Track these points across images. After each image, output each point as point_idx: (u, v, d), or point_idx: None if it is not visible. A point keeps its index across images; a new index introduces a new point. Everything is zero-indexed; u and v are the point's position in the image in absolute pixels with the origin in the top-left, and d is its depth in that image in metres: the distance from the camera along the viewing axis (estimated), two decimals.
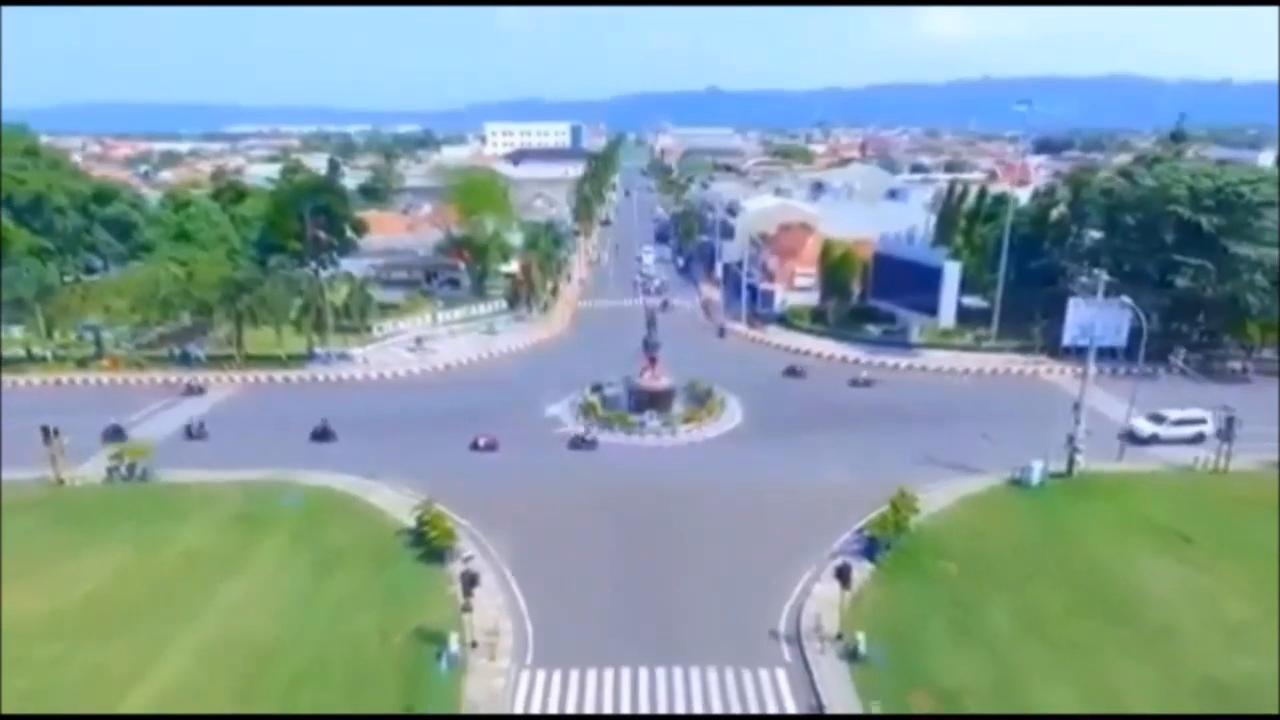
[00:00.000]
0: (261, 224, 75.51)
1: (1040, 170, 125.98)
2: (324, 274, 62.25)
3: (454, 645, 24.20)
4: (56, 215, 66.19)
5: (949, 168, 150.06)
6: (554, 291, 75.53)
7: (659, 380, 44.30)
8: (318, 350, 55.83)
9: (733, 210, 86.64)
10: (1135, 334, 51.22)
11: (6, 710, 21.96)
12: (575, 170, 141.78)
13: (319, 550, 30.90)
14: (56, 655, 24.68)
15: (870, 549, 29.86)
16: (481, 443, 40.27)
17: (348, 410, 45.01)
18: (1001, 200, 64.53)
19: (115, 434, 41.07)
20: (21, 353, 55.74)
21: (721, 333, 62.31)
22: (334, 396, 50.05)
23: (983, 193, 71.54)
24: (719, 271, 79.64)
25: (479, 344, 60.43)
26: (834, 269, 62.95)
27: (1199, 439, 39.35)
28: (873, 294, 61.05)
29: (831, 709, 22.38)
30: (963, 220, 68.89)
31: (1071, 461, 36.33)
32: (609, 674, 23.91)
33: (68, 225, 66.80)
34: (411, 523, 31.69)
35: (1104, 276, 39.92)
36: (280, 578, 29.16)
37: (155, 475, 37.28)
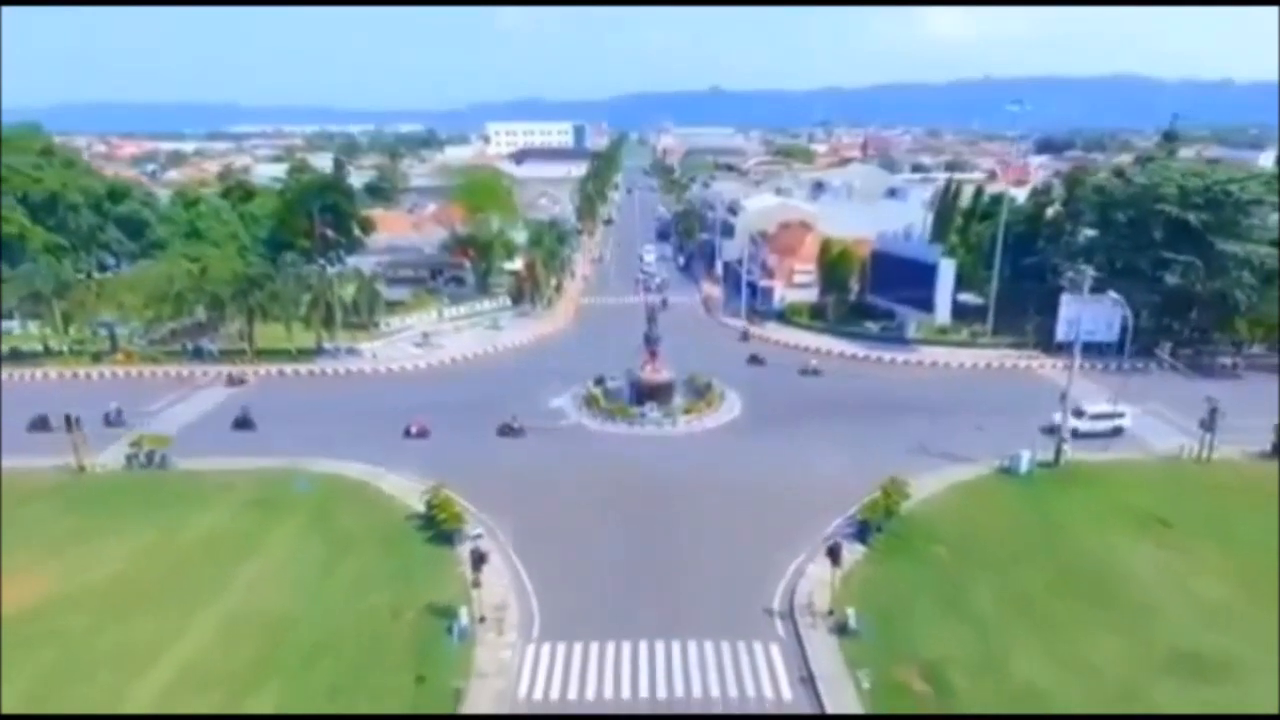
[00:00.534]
0: (270, 222, 76.92)
1: (1041, 170, 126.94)
2: (332, 271, 63.61)
3: (463, 619, 25.49)
4: (71, 213, 67.63)
5: (950, 167, 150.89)
6: (557, 288, 76.80)
7: (659, 373, 45.52)
8: (326, 345, 57.16)
9: (733, 209, 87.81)
10: (1133, 331, 52.60)
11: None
12: (578, 170, 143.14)
13: (332, 533, 32.22)
14: (87, 627, 26.02)
15: (862, 532, 31.07)
16: (413, 430, 41.57)
17: (357, 403, 46.33)
18: (999, 199, 65.64)
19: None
20: (39, 347, 57.21)
21: (745, 336, 60.41)
22: (343, 389, 51.43)
23: (979, 191, 72.72)
24: (719, 269, 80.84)
25: (484, 339, 61.72)
26: (832, 266, 64.10)
27: (1118, 432, 40.21)
28: (870, 291, 62.21)
29: (821, 679, 23.58)
30: (959, 218, 70.02)
31: (1059, 451, 37.52)
32: (610, 647, 25.14)
33: (82, 223, 68.22)
34: (421, 508, 32.94)
35: (1090, 271, 40.90)
36: (295, 558, 30.47)
37: (173, 463, 38.60)
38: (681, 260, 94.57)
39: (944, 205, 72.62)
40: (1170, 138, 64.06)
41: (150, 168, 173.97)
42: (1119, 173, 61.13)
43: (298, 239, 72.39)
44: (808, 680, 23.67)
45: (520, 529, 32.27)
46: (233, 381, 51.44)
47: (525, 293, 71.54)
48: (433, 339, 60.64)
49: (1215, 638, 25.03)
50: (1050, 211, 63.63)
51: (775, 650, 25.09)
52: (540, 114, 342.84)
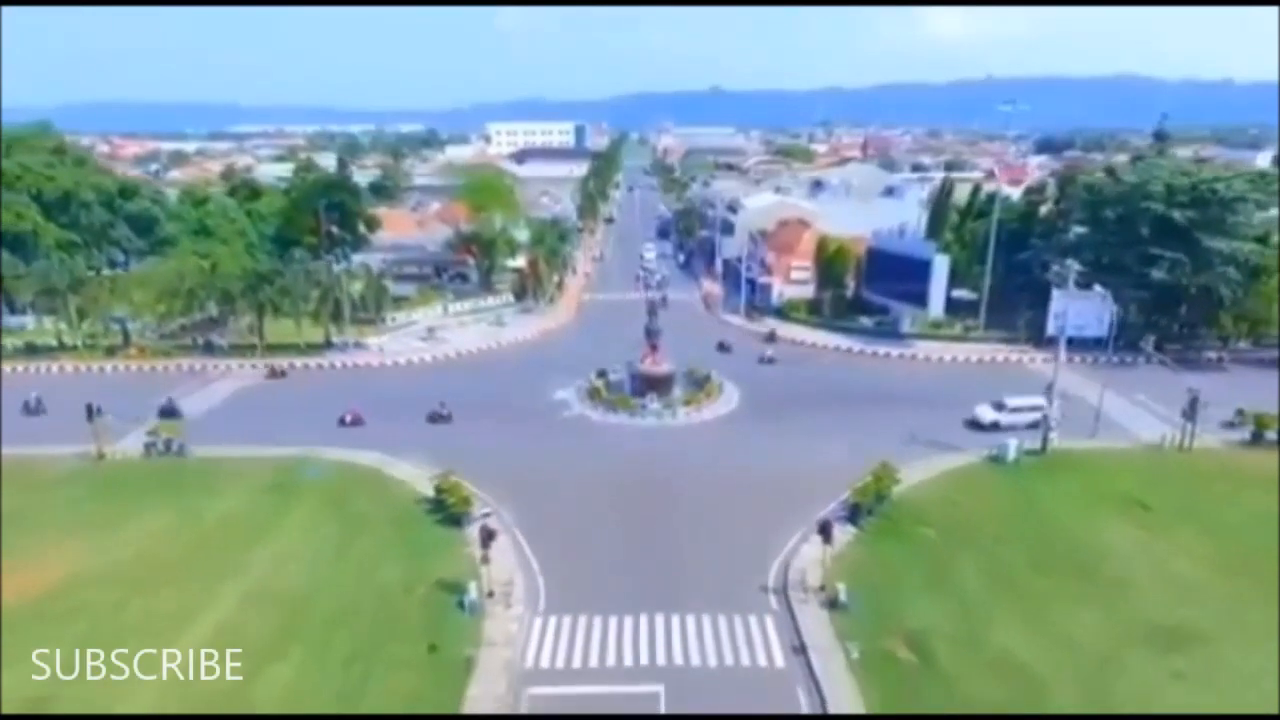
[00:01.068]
0: (277, 220, 78.20)
1: (1039, 170, 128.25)
2: (339, 268, 64.91)
3: (473, 593, 26.83)
4: (83, 210, 68.93)
5: (949, 167, 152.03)
6: (559, 285, 78.14)
7: (660, 366, 46.86)
8: (335, 340, 58.50)
9: (733, 207, 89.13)
10: (1121, 325, 53.95)
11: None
12: (579, 169, 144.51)
13: (345, 516, 33.56)
14: (115, 601, 27.35)
15: (854, 515, 32.40)
16: (348, 419, 43.02)
17: (367, 394, 47.63)
18: (991, 197, 66.89)
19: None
20: (53, 342, 58.54)
21: (772, 337, 59.23)
22: (353, 382, 52.77)
23: (976, 189, 74.00)
24: (719, 266, 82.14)
25: (488, 334, 63.06)
26: (829, 263, 65.39)
27: (1038, 424, 41.05)
28: (866, 286, 63.52)
29: (813, 649, 24.90)
30: (955, 216, 71.33)
31: (1045, 439, 38.83)
32: (613, 620, 26.46)
33: (93, 220, 69.52)
34: (430, 492, 34.27)
35: (1074, 266, 42.15)
36: (311, 539, 31.82)
37: (190, 451, 39.94)
38: (681, 258, 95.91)
39: (939, 203, 73.95)
40: (1160, 137, 65.31)
41: (153, 167, 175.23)
42: (1109, 171, 62.42)
43: (304, 236, 73.60)
44: (800, 650, 24.98)
45: (525, 512, 33.57)
46: (274, 373, 53.13)
47: (528, 289, 72.86)
48: (438, 333, 62.01)
49: (1188, 611, 26.35)
50: (1043, 209, 64.94)
51: (769, 623, 26.42)
52: (541, 114, 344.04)
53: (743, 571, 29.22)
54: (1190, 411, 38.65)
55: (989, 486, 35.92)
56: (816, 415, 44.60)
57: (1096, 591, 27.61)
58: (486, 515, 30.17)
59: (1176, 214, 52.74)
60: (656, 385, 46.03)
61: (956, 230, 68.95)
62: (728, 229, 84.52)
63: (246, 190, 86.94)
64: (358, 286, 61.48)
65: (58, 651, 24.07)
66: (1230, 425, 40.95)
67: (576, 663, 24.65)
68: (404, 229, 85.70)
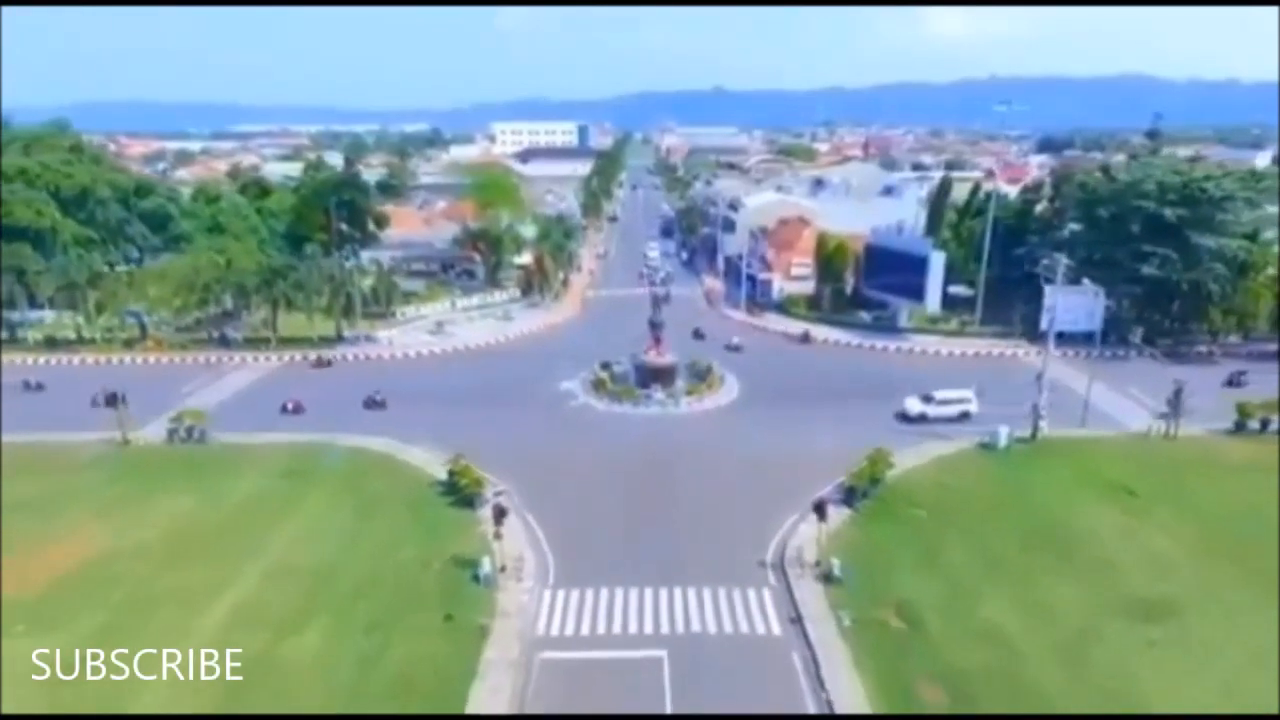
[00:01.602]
0: (288, 217, 79.73)
1: (1040, 169, 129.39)
2: (349, 263, 66.47)
3: (486, 567, 28.30)
4: (99, 208, 70.49)
5: (949, 166, 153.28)
6: (564, 281, 79.60)
7: (663, 357, 48.30)
8: (346, 333, 60.05)
9: (734, 206, 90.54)
10: (1114, 320, 55.40)
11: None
12: (583, 168, 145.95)
13: (362, 498, 35.06)
14: (146, 574, 28.90)
15: (849, 497, 33.81)
16: (289, 406, 44.70)
17: (379, 384, 49.04)
18: (989, 196, 68.22)
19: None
20: (72, 335, 60.15)
21: (806, 338, 59.67)
22: (365, 373, 54.17)
23: (975, 189, 75.30)
24: (721, 263, 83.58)
25: (495, 328, 64.58)
26: (829, 259, 66.73)
27: (965, 417, 42.62)
28: (865, 282, 64.91)
29: (808, 619, 26.33)
30: (953, 214, 72.68)
31: (1035, 427, 40.22)
32: (619, 592, 27.92)
33: (110, 217, 71.03)
34: (443, 476, 35.75)
35: (1063, 260, 43.52)
36: (329, 519, 33.31)
37: (210, 437, 41.49)
38: (684, 255, 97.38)
39: (938, 202, 75.30)
40: (1154, 136, 66.73)
41: (160, 166, 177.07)
42: (1104, 170, 63.76)
43: (314, 233, 75.22)
44: (795, 620, 26.43)
45: (533, 495, 35.00)
46: (320, 363, 55.43)
47: (534, 285, 74.37)
48: (446, 327, 63.55)
49: (1164, 586, 27.75)
50: (1039, 208, 66.28)
51: (767, 595, 27.87)
52: (544, 114, 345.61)
53: (742, 549, 30.65)
54: (1175, 401, 40.00)
55: (979, 472, 37.32)
56: (815, 406, 45.99)
57: (1078, 568, 29.00)
58: (499, 494, 31.61)
59: (1168, 212, 54.08)
60: (660, 376, 47.46)
61: (954, 228, 70.30)
62: (729, 227, 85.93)
63: (256, 189, 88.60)
64: (368, 282, 63.09)
65: (94, 619, 25.73)
66: (1164, 415, 41.48)
67: (585, 630, 26.12)
68: (411, 226, 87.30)
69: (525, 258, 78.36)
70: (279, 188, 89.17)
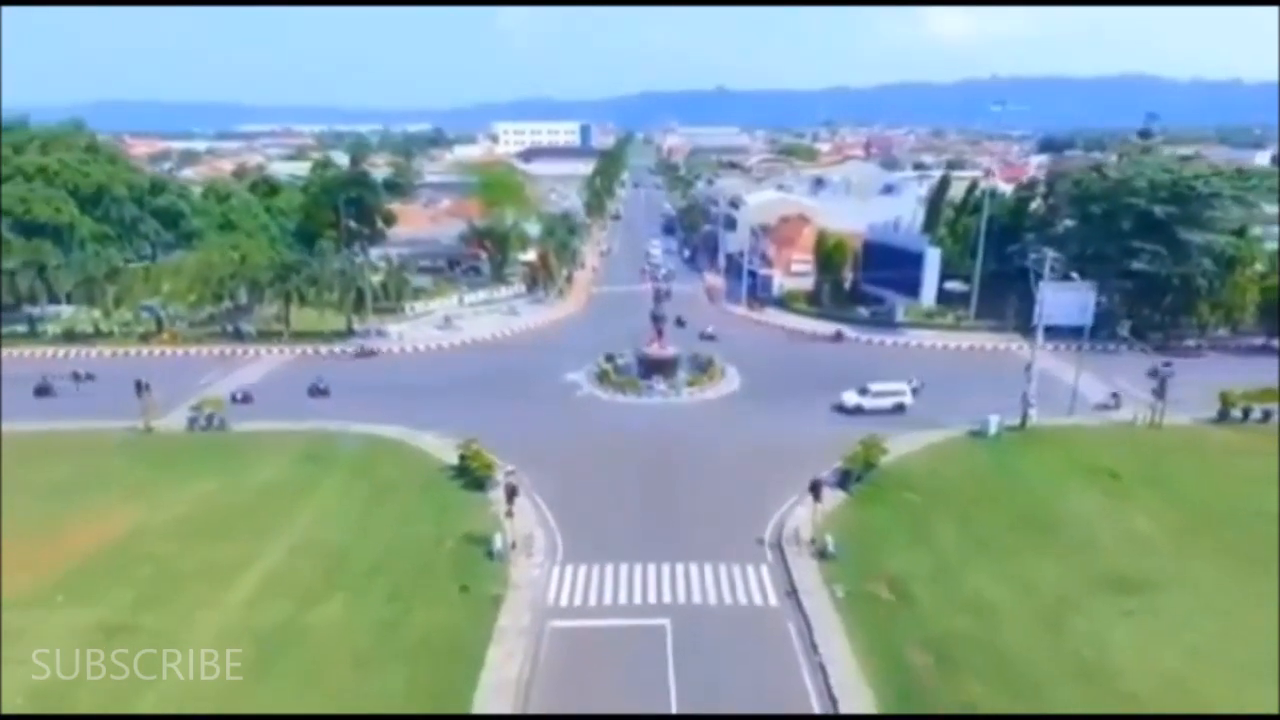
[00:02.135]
0: (298, 215, 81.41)
1: (1040, 169, 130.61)
2: (358, 260, 68.04)
3: (498, 543, 29.83)
4: (114, 205, 72.20)
5: (950, 166, 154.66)
6: (568, 278, 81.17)
7: (665, 350, 49.84)
8: (357, 327, 61.65)
9: (735, 204, 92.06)
10: (1106, 315, 56.83)
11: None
12: (585, 168, 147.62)
13: (377, 481, 36.61)
14: (175, 551, 30.41)
15: (843, 480, 35.29)
16: (239, 396, 46.19)
17: (390, 376, 50.85)
18: (988, 194, 69.71)
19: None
20: (90, 329, 61.80)
21: (839, 337, 60.37)
22: (377, 365, 55.94)
23: (971, 187, 76.76)
24: (722, 260, 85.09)
25: (502, 322, 66.20)
26: (828, 256, 68.26)
27: (899, 409, 44.05)
28: (862, 278, 66.38)
29: (803, 591, 27.82)
30: (950, 212, 74.15)
31: (1024, 416, 41.69)
32: (624, 568, 29.43)
33: (124, 214, 72.77)
34: (454, 461, 37.27)
35: (1051, 255, 44.93)
36: (346, 500, 34.86)
37: (229, 425, 43.07)
38: (686, 253, 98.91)
39: (935, 200, 76.77)
40: (1146, 135, 68.09)
41: (166, 166, 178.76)
42: (1097, 168, 65.18)
43: (324, 231, 76.85)
44: (791, 593, 27.92)
45: (541, 479, 36.46)
46: (363, 353, 57.41)
47: (539, 281, 75.97)
48: (454, 322, 65.14)
49: (1142, 562, 29.22)
50: (1033, 205, 67.72)
51: (765, 570, 29.37)
52: (546, 113, 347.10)
53: (741, 528, 32.16)
54: (1160, 390, 41.46)
55: (970, 458, 38.81)
56: (813, 396, 47.40)
57: (1061, 546, 30.48)
58: (511, 473, 33.09)
59: (1158, 209, 55.55)
60: (662, 367, 49.00)
61: (950, 225, 71.75)
62: (730, 225, 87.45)
63: (265, 187, 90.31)
64: (378, 278, 64.67)
65: (128, 594, 27.34)
66: (1105, 407, 44.03)
67: (592, 601, 27.65)
68: (418, 224, 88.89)
69: (530, 255, 79.98)
70: (287, 186, 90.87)
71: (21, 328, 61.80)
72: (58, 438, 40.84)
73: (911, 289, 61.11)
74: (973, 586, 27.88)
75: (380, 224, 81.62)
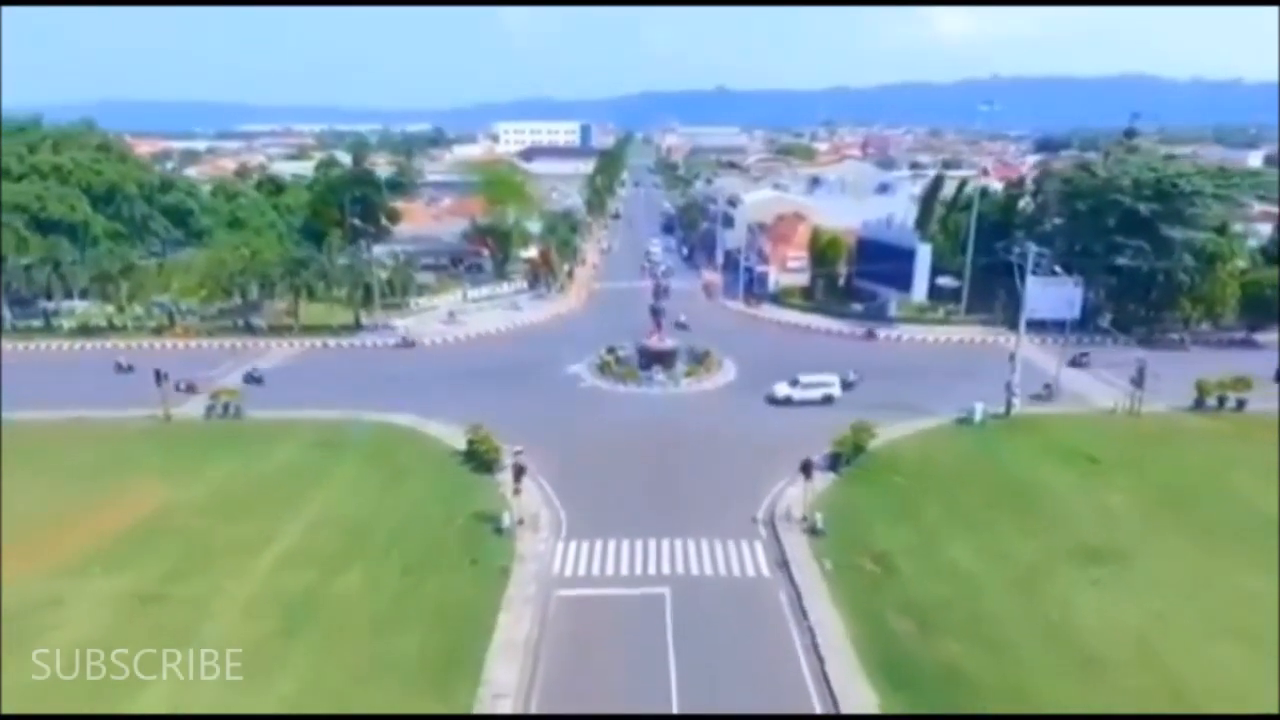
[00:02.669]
0: (304, 213, 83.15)
1: (1034, 168, 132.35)
2: (366, 256, 69.78)
3: (506, 520, 31.61)
4: (125, 203, 73.95)
5: (946, 165, 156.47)
6: (570, 274, 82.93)
7: (664, 342, 51.63)
8: (364, 321, 63.42)
9: (733, 202, 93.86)
10: (1092, 310, 58.62)
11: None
12: (585, 167, 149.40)
13: (389, 465, 38.39)
14: (201, 527, 32.19)
15: (834, 463, 37.08)
16: (182, 386, 47.63)
17: (398, 368, 52.59)
18: (982, 192, 71.60)
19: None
20: (104, 323, 63.54)
21: (870, 335, 60.50)
22: (384, 358, 57.70)
23: (961, 185, 78.54)
24: (720, 257, 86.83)
25: (505, 317, 67.97)
26: (822, 252, 70.00)
27: (828, 400, 45.77)
28: (856, 274, 68.15)
29: (793, 563, 29.61)
30: (941, 209, 75.94)
31: (1008, 404, 43.50)
32: (625, 543, 31.20)
33: (135, 212, 74.53)
34: (462, 446, 39.01)
35: (1033, 250, 46.70)
36: (361, 482, 36.63)
37: (245, 414, 44.82)
38: (685, 251, 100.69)
39: (928, 198, 78.56)
40: (1131, 135, 69.85)
41: (168, 165, 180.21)
42: (1084, 166, 66.98)
43: (330, 228, 78.60)
44: (783, 565, 29.72)
45: (546, 463, 38.09)
46: (404, 343, 59.40)
47: (540, 278, 77.72)
48: (458, 317, 66.89)
49: (1112, 536, 31.04)
50: (1022, 203, 69.52)
51: (758, 545, 31.17)
52: (545, 113, 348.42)
53: (736, 507, 33.94)
54: (1139, 379, 43.26)
55: (955, 443, 40.59)
56: None
57: (1037, 521, 32.30)
58: (518, 453, 34.81)
59: (1142, 206, 57.33)
60: (661, 359, 50.76)
61: (942, 222, 73.51)
62: (728, 222, 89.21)
63: (271, 186, 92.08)
64: (384, 274, 66.44)
65: (161, 565, 29.12)
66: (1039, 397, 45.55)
67: (595, 572, 29.44)
68: (421, 222, 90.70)
69: (532, 252, 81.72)
70: (292, 185, 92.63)
71: (37, 322, 63.61)
72: (82, 425, 42.63)
73: (904, 284, 62.89)
74: (952, 558, 29.69)
75: (385, 222, 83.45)
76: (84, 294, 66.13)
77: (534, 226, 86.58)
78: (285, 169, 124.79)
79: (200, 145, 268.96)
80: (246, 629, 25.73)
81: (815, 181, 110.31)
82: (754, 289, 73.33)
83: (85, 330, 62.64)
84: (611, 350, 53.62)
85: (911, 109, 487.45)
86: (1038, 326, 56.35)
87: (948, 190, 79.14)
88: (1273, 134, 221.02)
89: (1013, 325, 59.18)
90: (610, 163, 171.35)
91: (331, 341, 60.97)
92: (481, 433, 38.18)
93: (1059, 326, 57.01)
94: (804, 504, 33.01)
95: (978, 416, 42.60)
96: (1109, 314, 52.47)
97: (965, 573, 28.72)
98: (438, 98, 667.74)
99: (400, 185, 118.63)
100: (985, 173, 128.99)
